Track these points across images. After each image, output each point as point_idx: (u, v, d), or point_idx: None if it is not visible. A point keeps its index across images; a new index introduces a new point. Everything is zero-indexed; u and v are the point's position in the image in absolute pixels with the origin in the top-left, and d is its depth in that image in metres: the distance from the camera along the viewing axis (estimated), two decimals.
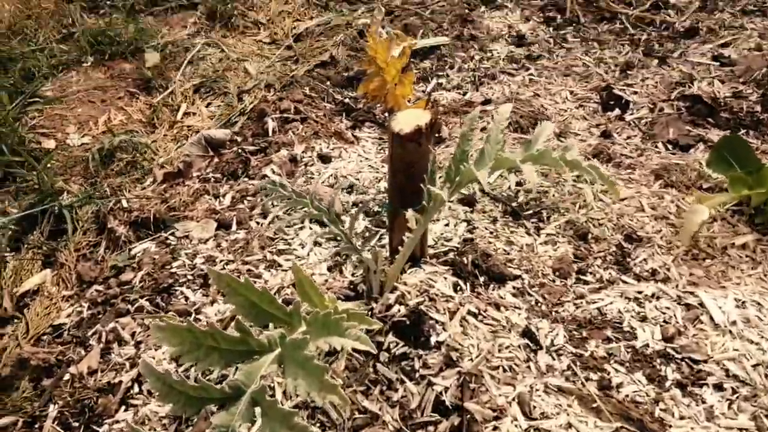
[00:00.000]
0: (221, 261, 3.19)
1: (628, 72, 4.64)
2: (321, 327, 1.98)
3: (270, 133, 4.04)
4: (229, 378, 1.99)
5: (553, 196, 3.45)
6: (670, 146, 3.86)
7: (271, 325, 2.07)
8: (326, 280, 2.89)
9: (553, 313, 2.81)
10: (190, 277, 3.13)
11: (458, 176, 2.43)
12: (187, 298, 3.06)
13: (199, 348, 1.96)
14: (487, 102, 4.38)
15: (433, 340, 2.55)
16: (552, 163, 2.32)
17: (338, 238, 2.61)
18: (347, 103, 4.47)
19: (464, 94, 4.58)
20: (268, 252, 3.17)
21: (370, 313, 2.61)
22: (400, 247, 2.60)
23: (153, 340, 1.86)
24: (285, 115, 4.15)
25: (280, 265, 3.09)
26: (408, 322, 2.59)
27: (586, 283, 2.96)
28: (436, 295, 2.71)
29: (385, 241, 3.09)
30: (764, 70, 4.35)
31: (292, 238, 3.22)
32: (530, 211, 3.37)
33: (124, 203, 3.67)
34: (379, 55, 3.41)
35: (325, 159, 3.77)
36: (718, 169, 3.31)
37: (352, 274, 2.92)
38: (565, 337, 2.69)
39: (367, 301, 2.68)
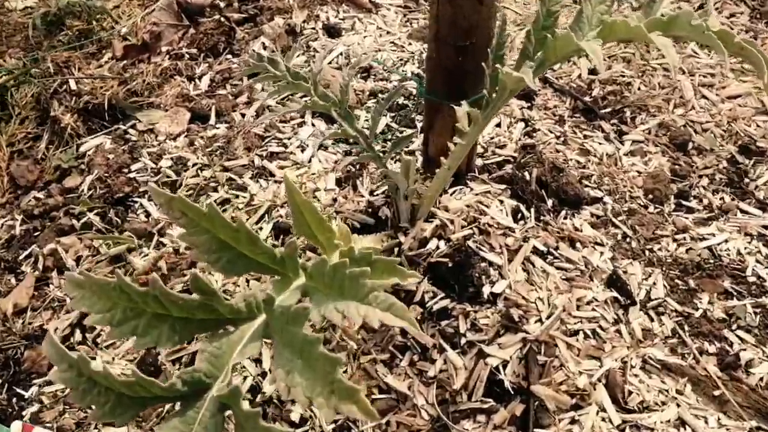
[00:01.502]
0: (194, 165, 2.39)
1: None
2: (330, 284, 1.21)
3: None
4: (182, 370, 1.23)
5: (639, 89, 2.58)
6: None
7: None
8: (334, 200, 2.10)
9: (647, 252, 2.04)
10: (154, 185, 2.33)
11: (542, 51, 1.57)
12: (148, 214, 2.29)
13: (138, 316, 1.20)
14: None
15: (485, 290, 1.79)
16: (691, 33, 1.45)
17: (352, 140, 1.78)
18: None
19: None
20: (256, 155, 2.35)
21: (397, 251, 1.84)
22: (442, 159, 1.77)
23: (71, 302, 1.11)
24: None
25: (271, 175, 2.29)
26: (450, 265, 1.82)
27: (689, 210, 2.17)
28: (489, 225, 1.92)
29: (416, 147, 2.26)
30: None
31: (289, 138, 2.40)
32: (609, 109, 2.51)
33: (72, 85, 2.81)
34: None
35: (332, 32, 2.87)
36: None
37: (371, 192, 2.11)
38: (665, 287, 1.93)
39: (394, 232, 1.90)
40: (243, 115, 2.54)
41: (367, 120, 2.43)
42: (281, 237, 2.00)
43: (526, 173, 2.12)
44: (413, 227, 1.89)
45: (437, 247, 1.86)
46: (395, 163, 2.08)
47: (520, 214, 2.01)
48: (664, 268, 2.00)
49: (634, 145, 2.36)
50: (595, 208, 2.13)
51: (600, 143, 2.35)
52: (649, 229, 2.10)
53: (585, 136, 2.39)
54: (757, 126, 2.38)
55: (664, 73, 2.62)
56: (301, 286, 1.26)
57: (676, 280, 1.97)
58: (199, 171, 2.36)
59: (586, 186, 2.18)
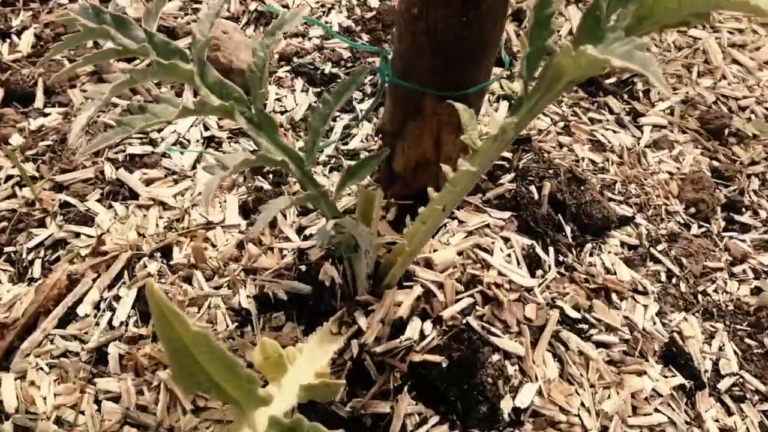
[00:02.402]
0: (7, 179, 1.48)
1: None
2: None
3: None
4: None
5: (647, 50, 1.91)
6: None
7: None
8: (240, 247, 1.29)
9: (700, 297, 1.43)
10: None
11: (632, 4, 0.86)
12: None
13: None
14: None
15: (505, 407, 1.10)
16: None
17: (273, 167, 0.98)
18: None
19: None
20: (107, 161, 1.48)
21: (357, 350, 1.09)
22: (431, 191, 1.02)
23: None
24: None
25: (132, 194, 1.44)
26: (446, 365, 1.10)
27: (744, 228, 1.57)
28: (497, 286, 1.21)
29: (358, 144, 1.49)
30: None
31: (159, 130, 1.53)
32: (613, 79, 1.84)
33: None
34: None
35: None
36: None
37: (301, 231, 1.32)
38: (736, 353, 1.34)
39: (347, 312, 1.14)
40: (84, 93, 1.63)
41: (279, 102, 1.61)
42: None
43: (533, 188, 1.41)
44: (379, 300, 1.14)
45: (422, 335, 1.12)
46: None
47: (535, 259, 1.30)
48: (727, 322, 1.40)
49: (657, 132, 1.71)
50: (626, 233, 1.47)
51: (614, 130, 1.68)
52: (698, 260, 1.48)
53: (592, 120, 1.70)
54: None
55: (679, 29, 1.96)
56: None
57: (747, 340, 1.38)
58: (15, 189, 1.46)
59: (610, 199, 1.51)
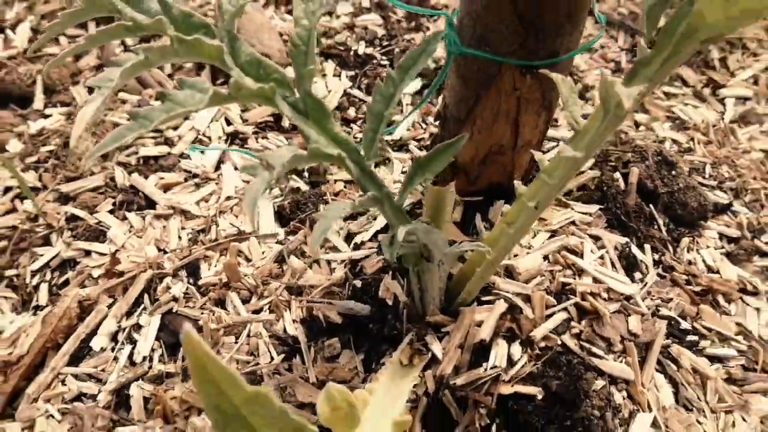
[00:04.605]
0: (6, 190, 1.30)
1: None
2: None
3: None
4: None
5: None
6: None
7: None
8: (280, 261, 1.08)
9: None
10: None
11: None
12: None
13: None
14: None
15: None
16: None
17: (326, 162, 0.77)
18: None
19: None
20: (117, 165, 1.29)
21: (435, 382, 0.89)
22: (518, 184, 0.81)
23: None
24: None
25: (150, 203, 1.24)
26: (541, 397, 0.90)
27: None
28: (594, 295, 1.00)
29: (405, 133, 1.28)
30: None
31: (176, 127, 1.34)
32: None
33: None
34: None
35: None
36: None
37: (350, 238, 1.11)
38: None
39: (416, 336, 0.93)
40: (91, 91, 1.44)
41: (335, 92, 1.40)
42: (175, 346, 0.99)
43: (618, 175, 1.19)
44: (455, 320, 0.94)
45: (510, 361, 0.92)
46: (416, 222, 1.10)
47: (631, 260, 1.09)
48: None
49: (741, 106, 1.49)
50: (724, 223, 1.25)
51: (694, 105, 1.46)
52: None
53: (667, 95, 1.48)
54: None
55: None
56: None
57: None
58: (15, 202, 1.27)
59: (701, 184, 1.30)
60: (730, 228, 1.25)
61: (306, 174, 1.25)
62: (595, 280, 1.01)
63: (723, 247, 1.22)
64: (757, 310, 1.15)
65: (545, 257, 1.02)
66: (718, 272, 1.17)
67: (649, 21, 0.75)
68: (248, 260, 1.08)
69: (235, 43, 0.78)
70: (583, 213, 1.10)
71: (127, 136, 0.70)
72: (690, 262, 1.16)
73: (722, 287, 1.14)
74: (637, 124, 1.38)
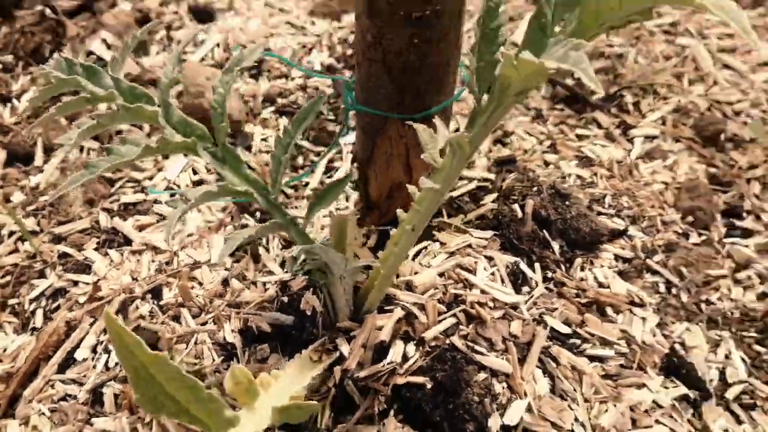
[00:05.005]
0: (10, 234, 1.54)
1: None
2: None
3: None
4: None
5: (636, 62, 1.91)
6: None
7: None
8: (225, 284, 1.31)
9: (704, 306, 1.38)
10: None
11: (577, 10, 0.87)
12: None
13: None
14: None
15: (493, 424, 1.07)
16: None
17: (239, 197, 1.00)
18: None
19: None
20: (101, 210, 1.54)
21: (339, 376, 1.09)
22: (399, 212, 1.03)
23: None
24: None
25: (127, 241, 1.48)
26: (430, 386, 1.09)
27: (747, 233, 1.53)
28: (481, 304, 1.20)
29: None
30: None
31: (151, 177, 1.59)
32: (600, 95, 1.83)
33: None
34: None
35: (202, 15, 2.05)
36: None
37: (284, 264, 1.33)
38: (744, 361, 1.29)
39: (329, 339, 1.14)
40: (82, 150, 1.70)
41: (265, 142, 1.65)
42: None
43: (516, 206, 1.40)
44: (360, 326, 1.14)
45: (405, 357, 1.11)
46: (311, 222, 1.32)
47: (521, 276, 1.29)
48: (733, 329, 1.35)
49: (649, 144, 1.69)
50: (620, 246, 1.44)
51: (603, 145, 1.67)
52: (699, 269, 1.44)
53: (579, 137, 1.70)
54: None
55: (665, 38, 1.96)
56: None
57: (755, 347, 1.33)
58: (17, 244, 1.52)
59: (600, 213, 1.49)
60: (625, 250, 1.44)
61: (257, 214, 1.48)
62: (483, 292, 1.21)
63: (616, 266, 1.41)
64: (643, 319, 1.33)
65: (441, 274, 1.23)
66: (608, 287, 1.36)
67: (479, 80, 0.97)
68: (200, 284, 1.31)
69: (169, 108, 1.02)
70: (479, 238, 1.31)
71: (81, 180, 0.94)
72: (582, 279, 1.35)
73: (610, 299, 1.32)
74: (546, 163, 1.59)
